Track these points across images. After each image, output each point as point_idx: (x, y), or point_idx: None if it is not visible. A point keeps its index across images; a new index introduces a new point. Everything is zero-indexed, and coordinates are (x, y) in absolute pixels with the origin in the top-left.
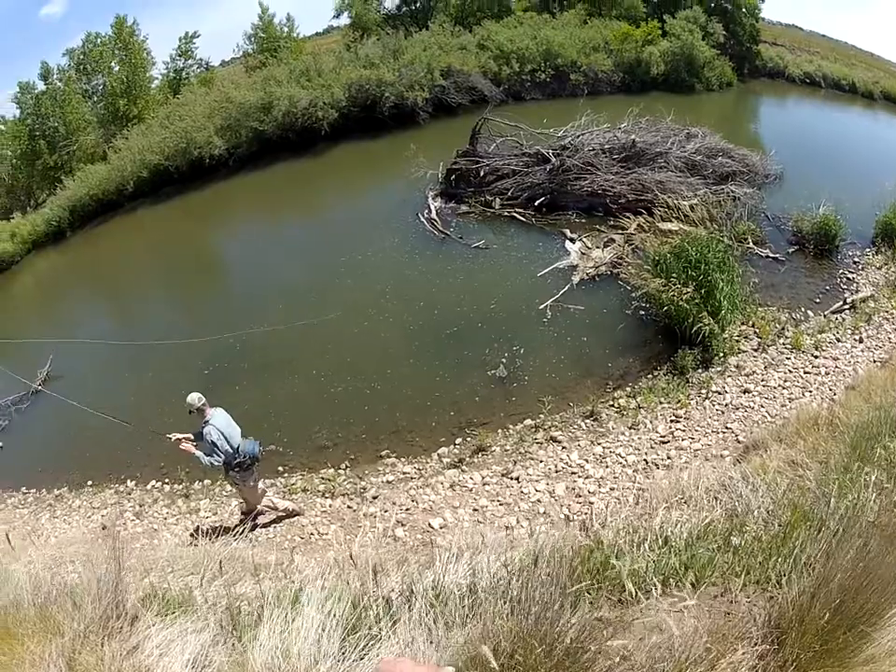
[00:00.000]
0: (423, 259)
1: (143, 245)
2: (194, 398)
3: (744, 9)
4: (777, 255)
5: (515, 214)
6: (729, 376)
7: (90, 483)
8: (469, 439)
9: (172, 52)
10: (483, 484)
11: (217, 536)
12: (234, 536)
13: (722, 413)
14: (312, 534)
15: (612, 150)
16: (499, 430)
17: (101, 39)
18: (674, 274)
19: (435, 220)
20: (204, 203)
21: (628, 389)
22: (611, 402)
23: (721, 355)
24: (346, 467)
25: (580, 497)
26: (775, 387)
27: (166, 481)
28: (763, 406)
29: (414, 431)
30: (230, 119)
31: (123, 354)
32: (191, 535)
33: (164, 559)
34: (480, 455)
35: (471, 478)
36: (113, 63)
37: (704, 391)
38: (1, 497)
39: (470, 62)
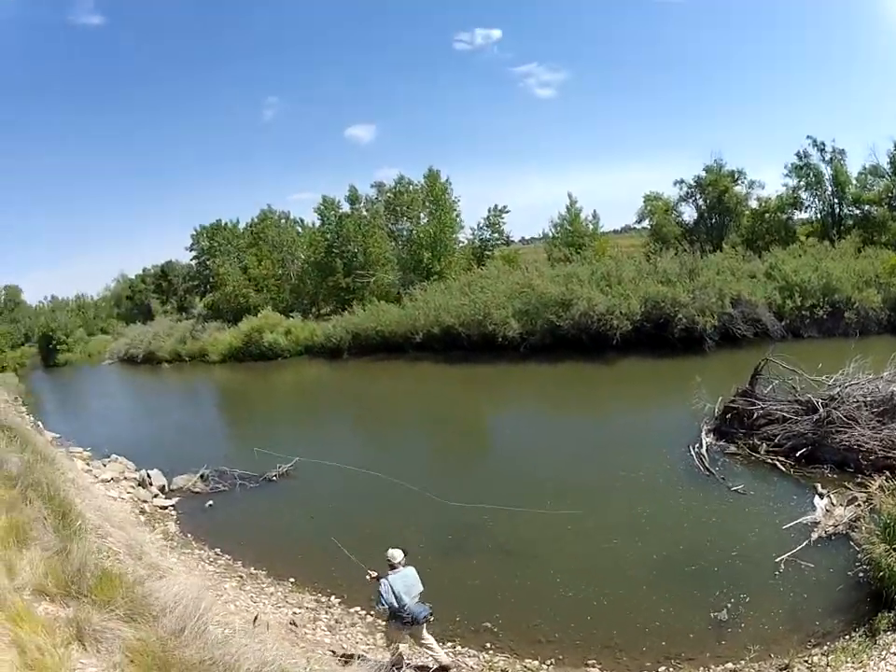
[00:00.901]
0: (684, 492)
1: (417, 391)
2: (396, 555)
3: None
4: None
5: (777, 462)
6: None
7: (292, 579)
8: (671, 669)
9: (480, 221)
10: None
11: None
12: None
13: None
14: None
15: (873, 403)
16: (701, 668)
17: (413, 186)
18: None
19: (704, 456)
20: (490, 377)
21: (825, 647)
22: (806, 658)
23: None
24: (551, 664)
25: None
26: None
27: (372, 613)
28: None
29: (624, 651)
30: (529, 304)
31: (369, 484)
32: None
33: None
34: None
35: None
36: (422, 214)
37: (883, 652)
38: (189, 543)
39: (758, 291)
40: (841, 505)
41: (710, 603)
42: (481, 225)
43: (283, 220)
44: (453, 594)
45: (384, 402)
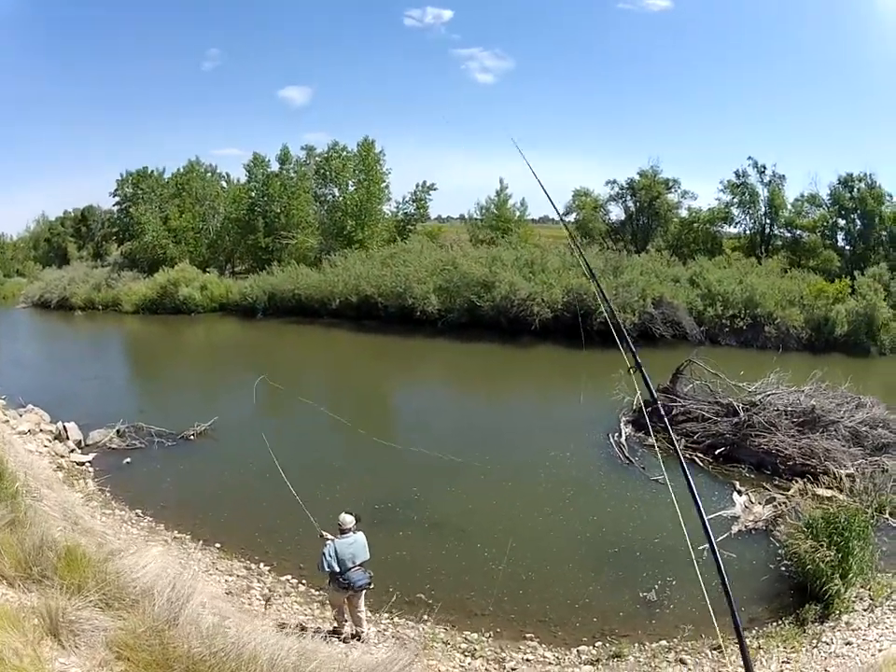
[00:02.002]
0: (606, 478)
1: (327, 358)
2: (347, 520)
3: None
4: None
5: (696, 457)
6: (838, 630)
7: (218, 545)
8: (607, 644)
9: (406, 195)
10: None
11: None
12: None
13: (825, 658)
14: None
15: (793, 413)
16: (636, 644)
17: (345, 153)
18: (822, 538)
19: (623, 445)
20: (404, 349)
21: (754, 632)
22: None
23: (837, 612)
24: (489, 636)
25: None
26: (871, 640)
27: (304, 581)
28: (857, 655)
29: (559, 626)
30: (450, 282)
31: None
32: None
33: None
34: (615, 661)
35: None
36: (351, 182)
37: (815, 641)
38: (109, 503)
39: (680, 295)
40: (759, 503)
41: (637, 583)
42: (406, 199)
43: (209, 174)
44: (384, 564)
45: (295, 365)
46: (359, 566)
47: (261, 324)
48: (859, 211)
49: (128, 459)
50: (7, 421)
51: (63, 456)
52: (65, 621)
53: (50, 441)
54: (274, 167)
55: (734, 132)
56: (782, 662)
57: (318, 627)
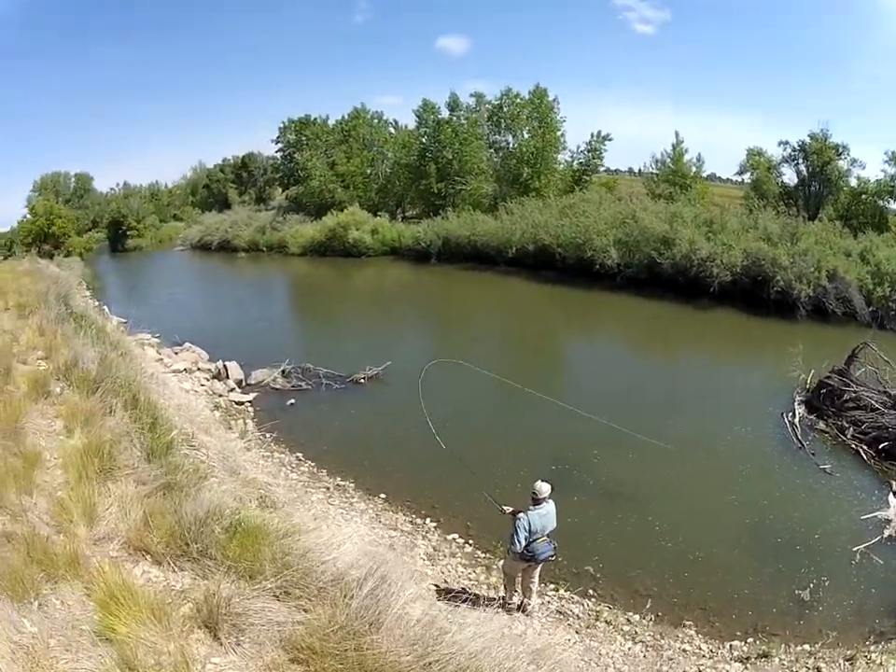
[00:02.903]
0: (779, 459)
1: (504, 309)
2: (544, 489)
3: None
4: None
5: (860, 450)
6: None
7: (382, 496)
8: (758, 642)
9: (581, 145)
10: None
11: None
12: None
13: None
14: (608, 665)
15: None
16: (783, 645)
17: (520, 100)
18: None
19: (796, 427)
20: (581, 302)
21: (881, 646)
22: (866, 653)
23: None
24: (650, 620)
25: None
26: None
27: (470, 542)
28: None
29: (718, 616)
30: (630, 236)
31: (474, 385)
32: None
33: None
34: (762, 661)
35: None
36: (525, 130)
37: None
38: (268, 444)
39: (852, 271)
40: None
41: (795, 580)
42: (581, 149)
43: (375, 120)
44: (555, 531)
45: (471, 313)
46: (546, 536)
47: (435, 268)
48: None
49: (292, 400)
50: (161, 359)
51: (221, 396)
52: (226, 610)
53: (208, 380)
54: (444, 114)
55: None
56: None
57: (481, 595)
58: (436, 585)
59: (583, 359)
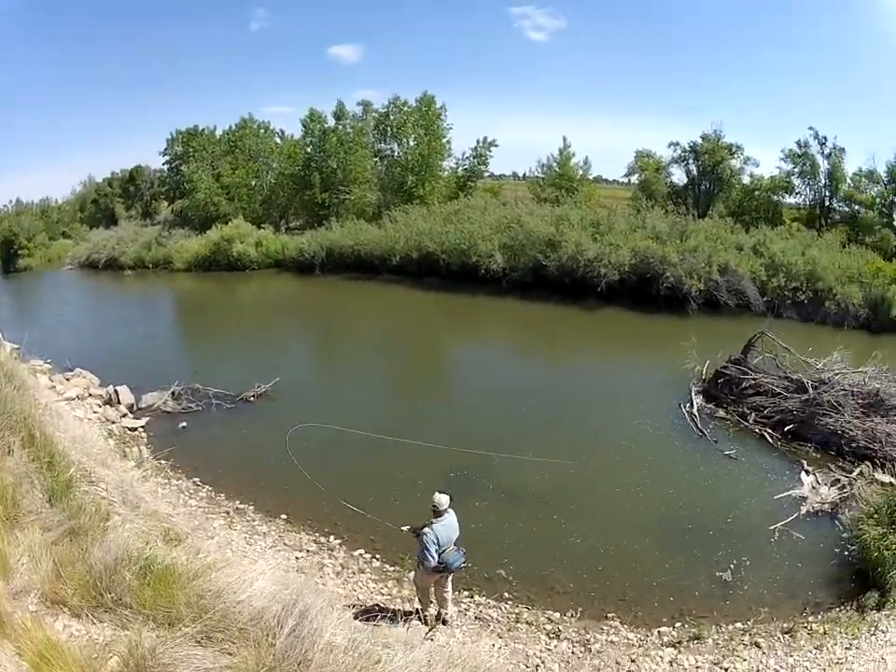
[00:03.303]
0: (681, 449)
1: (389, 318)
2: (444, 500)
3: None
4: None
5: (765, 433)
6: (893, 619)
7: (283, 516)
8: (686, 626)
9: (466, 151)
10: (696, 668)
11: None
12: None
13: (882, 646)
14: (538, 665)
15: (859, 394)
16: (713, 626)
17: (407, 108)
18: (885, 525)
19: (695, 416)
20: (466, 307)
21: (820, 616)
22: (804, 624)
23: (893, 601)
24: (572, 616)
25: None
26: None
27: (377, 556)
28: None
29: (639, 605)
30: (515, 240)
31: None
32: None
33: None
34: (694, 643)
35: (687, 660)
36: (411, 138)
37: (872, 628)
38: (164, 471)
39: (745, 264)
40: (825, 484)
41: (713, 563)
42: (467, 155)
43: (262, 130)
44: (461, 538)
45: (355, 324)
46: (454, 545)
47: (319, 279)
48: None
49: (184, 423)
50: (54, 387)
51: (114, 422)
52: (156, 663)
53: (100, 407)
54: (330, 123)
55: (795, 97)
56: (845, 648)
57: (397, 610)
58: (351, 605)
59: (468, 365)
